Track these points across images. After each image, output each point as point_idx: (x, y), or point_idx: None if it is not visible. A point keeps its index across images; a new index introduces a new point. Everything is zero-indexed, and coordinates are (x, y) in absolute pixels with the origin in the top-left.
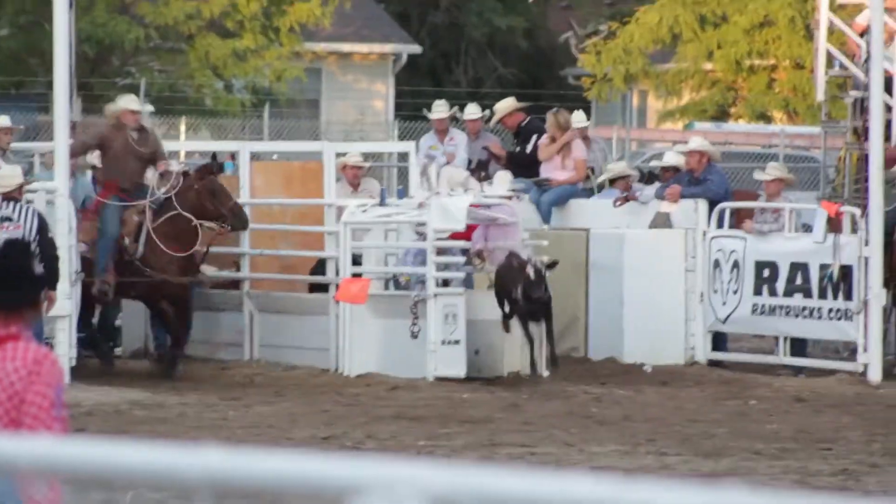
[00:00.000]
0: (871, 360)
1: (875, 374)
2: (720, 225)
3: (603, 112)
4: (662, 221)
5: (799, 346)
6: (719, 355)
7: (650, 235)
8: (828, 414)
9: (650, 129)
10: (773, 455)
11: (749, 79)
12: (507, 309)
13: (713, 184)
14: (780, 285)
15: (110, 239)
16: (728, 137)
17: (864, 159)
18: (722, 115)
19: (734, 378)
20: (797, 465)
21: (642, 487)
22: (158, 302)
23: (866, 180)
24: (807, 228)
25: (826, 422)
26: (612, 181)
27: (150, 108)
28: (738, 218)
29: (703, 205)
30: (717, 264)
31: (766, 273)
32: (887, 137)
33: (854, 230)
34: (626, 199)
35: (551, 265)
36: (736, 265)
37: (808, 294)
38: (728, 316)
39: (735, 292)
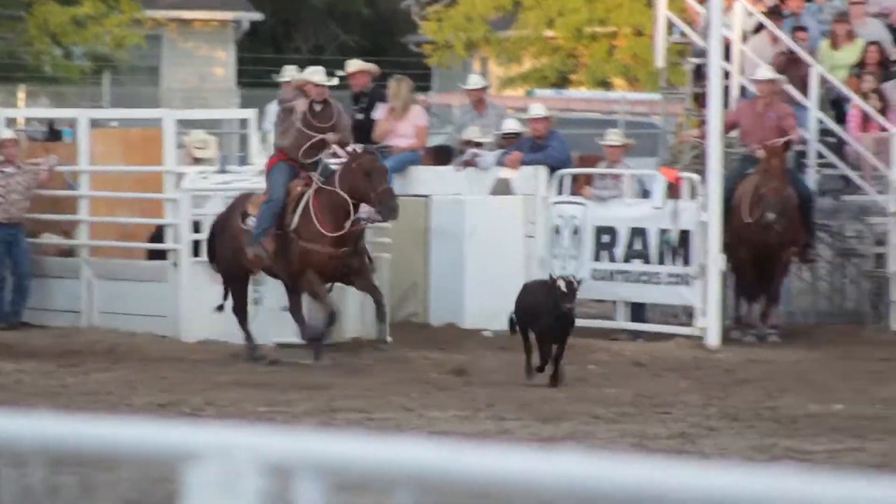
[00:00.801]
0: (710, 325)
1: (713, 339)
2: (560, 191)
3: (444, 79)
4: (503, 188)
5: (638, 311)
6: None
7: (491, 202)
8: (666, 378)
9: (492, 95)
10: (611, 419)
11: (590, 46)
12: (528, 327)
13: (554, 150)
14: (620, 251)
15: (275, 204)
16: (569, 104)
17: (702, 125)
18: (563, 82)
19: (573, 343)
20: (635, 429)
21: (479, 452)
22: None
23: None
24: (646, 194)
25: (664, 386)
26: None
27: (335, 80)
28: (579, 184)
29: (543, 171)
30: (557, 230)
31: (605, 238)
32: (726, 104)
33: (693, 196)
34: (467, 165)
35: (581, 281)
36: (576, 231)
37: (646, 259)
38: None
39: (575, 258)
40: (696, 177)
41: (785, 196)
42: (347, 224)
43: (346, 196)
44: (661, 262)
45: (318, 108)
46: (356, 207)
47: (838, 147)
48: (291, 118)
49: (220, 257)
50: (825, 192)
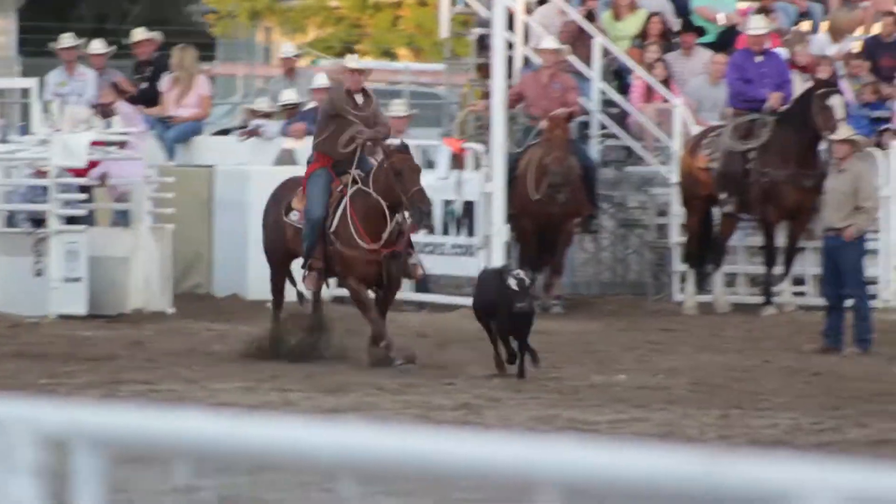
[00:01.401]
0: None
1: None
2: None
3: (228, 49)
4: (287, 158)
5: (422, 282)
6: (342, 292)
7: (275, 172)
8: (450, 349)
9: (276, 66)
10: (395, 390)
11: (374, 16)
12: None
13: None
14: None
15: (315, 222)
16: None
17: (486, 96)
18: (347, 52)
19: (357, 314)
20: (420, 400)
21: (262, 423)
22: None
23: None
24: (431, 165)
25: (448, 357)
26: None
27: (370, 65)
28: None
29: None
30: None
31: None
32: (510, 74)
33: (477, 167)
34: (251, 135)
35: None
36: None
37: (431, 230)
38: None
39: None
40: (480, 147)
41: (568, 166)
42: (386, 230)
43: (379, 199)
44: (446, 232)
45: (359, 99)
46: (392, 210)
47: (621, 118)
48: (327, 112)
49: (264, 241)
50: (608, 163)
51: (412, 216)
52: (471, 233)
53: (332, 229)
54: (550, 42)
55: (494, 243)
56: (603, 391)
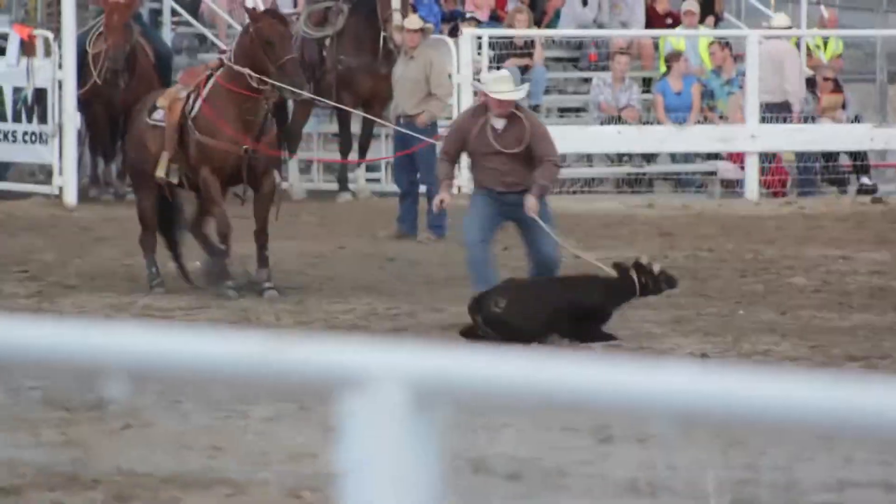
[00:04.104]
0: (67, 183)
1: (70, 197)
2: None
3: None
4: None
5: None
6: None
7: None
8: (23, 236)
9: None
10: None
11: None
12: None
13: None
14: None
15: None
16: None
17: None
18: None
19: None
20: None
21: None
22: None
23: (59, 3)
24: (1, 52)
25: (21, 244)
26: None
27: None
28: None
29: None
30: None
31: None
32: None
33: (48, 53)
34: None
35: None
36: None
37: (3, 118)
38: None
39: None
40: (50, 34)
41: (125, 51)
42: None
43: (242, 70)
44: (18, 120)
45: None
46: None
47: (194, 6)
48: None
49: (126, 159)
50: (181, 51)
51: (281, 91)
52: (43, 120)
53: (192, 115)
54: None
55: (67, 131)
56: (178, 278)
